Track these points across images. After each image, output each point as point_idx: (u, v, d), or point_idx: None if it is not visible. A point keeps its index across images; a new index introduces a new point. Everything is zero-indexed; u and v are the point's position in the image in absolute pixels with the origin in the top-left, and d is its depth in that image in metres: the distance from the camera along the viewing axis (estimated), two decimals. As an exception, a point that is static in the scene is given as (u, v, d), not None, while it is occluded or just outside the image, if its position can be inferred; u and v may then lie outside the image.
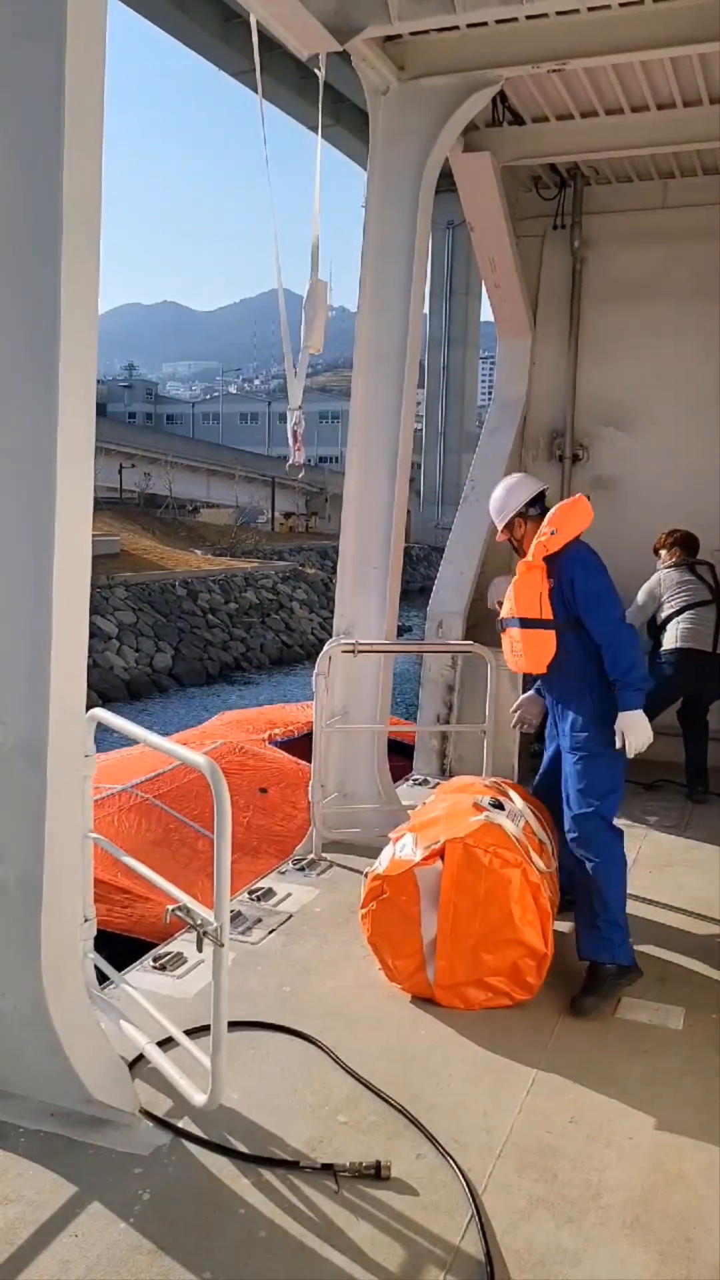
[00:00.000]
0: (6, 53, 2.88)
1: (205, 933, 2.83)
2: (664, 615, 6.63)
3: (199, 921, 2.86)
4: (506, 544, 4.56)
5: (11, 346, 3.00)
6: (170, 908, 3.00)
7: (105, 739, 3.58)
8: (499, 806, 4.15)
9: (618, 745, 4.01)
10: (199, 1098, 2.95)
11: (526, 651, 4.19)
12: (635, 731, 3.99)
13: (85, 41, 2.85)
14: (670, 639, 6.56)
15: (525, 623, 4.20)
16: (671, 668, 6.49)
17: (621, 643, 4.02)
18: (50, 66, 2.81)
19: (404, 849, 4.07)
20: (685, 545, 6.81)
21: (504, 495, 4.45)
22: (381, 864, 4.13)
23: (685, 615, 6.56)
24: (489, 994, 3.90)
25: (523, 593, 4.20)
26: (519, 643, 4.22)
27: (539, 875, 3.95)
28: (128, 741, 7.50)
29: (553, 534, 4.18)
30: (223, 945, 2.80)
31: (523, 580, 4.21)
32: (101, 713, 3.41)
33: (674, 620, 6.58)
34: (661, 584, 6.69)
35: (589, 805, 4.09)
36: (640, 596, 6.70)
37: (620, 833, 4.16)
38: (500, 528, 4.48)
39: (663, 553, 6.86)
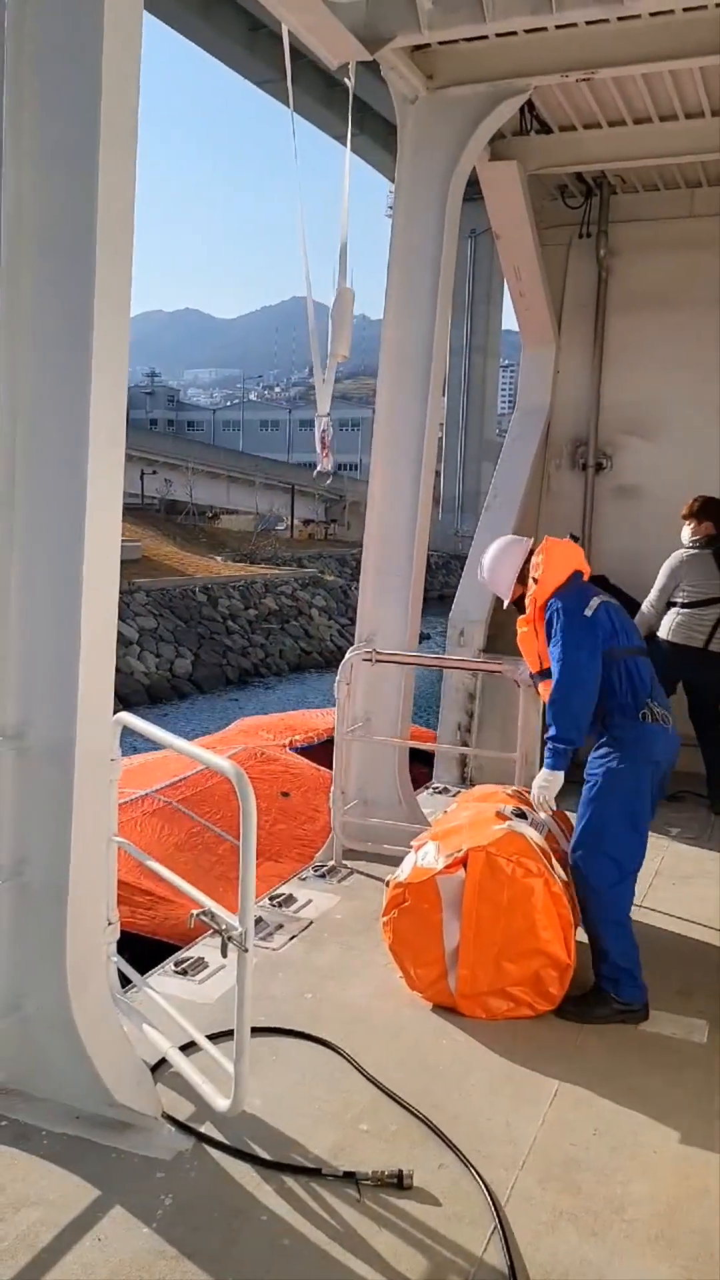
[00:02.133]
0: (45, 65, 2.91)
1: (229, 938, 2.83)
2: (676, 600, 6.59)
3: (223, 926, 2.86)
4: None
5: (45, 354, 3.03)
6: (194, 912, 3.00)
7: (127, 743, 3.59)
8: (522, 816, 4.14)
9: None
10: (221, 1103, 2.95)
11: (547, 702, 4.17)
12: (539, 785, 4.10)
13: (121, 54, 2.88)
14: (665, 628, 6.56)
15: (535, 676, 4.32)
16: (664, 657, 6.50)
17: (555, 702, 3.98)
18: (87, 78, 2.84)
19: (426, 857, 4.06)
20: (716, 517, 6.67)
21: (493, 567, 4.41)
22: (403, 872, 4.12)
23: (693, 610, 6.53)
24: (511, 1004, 3.88)
25: (525, 650, 4.32)
26: (541, 694, 4.28)
27: (561, 885, 3.93)
28: (149, 745, 7.51)
29: (535, 583, 4.15)
30: (247, 950, 2.80)
31: (522, 639, 4.31)
32: (127, 717, 3.42)
33: (677, 610, 6.56)
34: (683, 566, 6.63)
35: (584, 844, 3.96)
36: (661, 578, 6.65)
37: (624, 875, 3.94)
38: (506, 600, 4.45)
39: (690, 525, 6.70)
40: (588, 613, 4.00)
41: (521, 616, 4.27)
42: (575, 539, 4.46)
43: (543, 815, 4.18)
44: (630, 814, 3.95)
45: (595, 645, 3.97)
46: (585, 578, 4.24)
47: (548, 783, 4.08)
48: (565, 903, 3.92)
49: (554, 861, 4.00)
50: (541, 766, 4.11)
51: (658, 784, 4.04)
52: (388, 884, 4.17)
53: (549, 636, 4.06)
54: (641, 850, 4.00)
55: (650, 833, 4.11)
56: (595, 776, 4.01)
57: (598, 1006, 3.89)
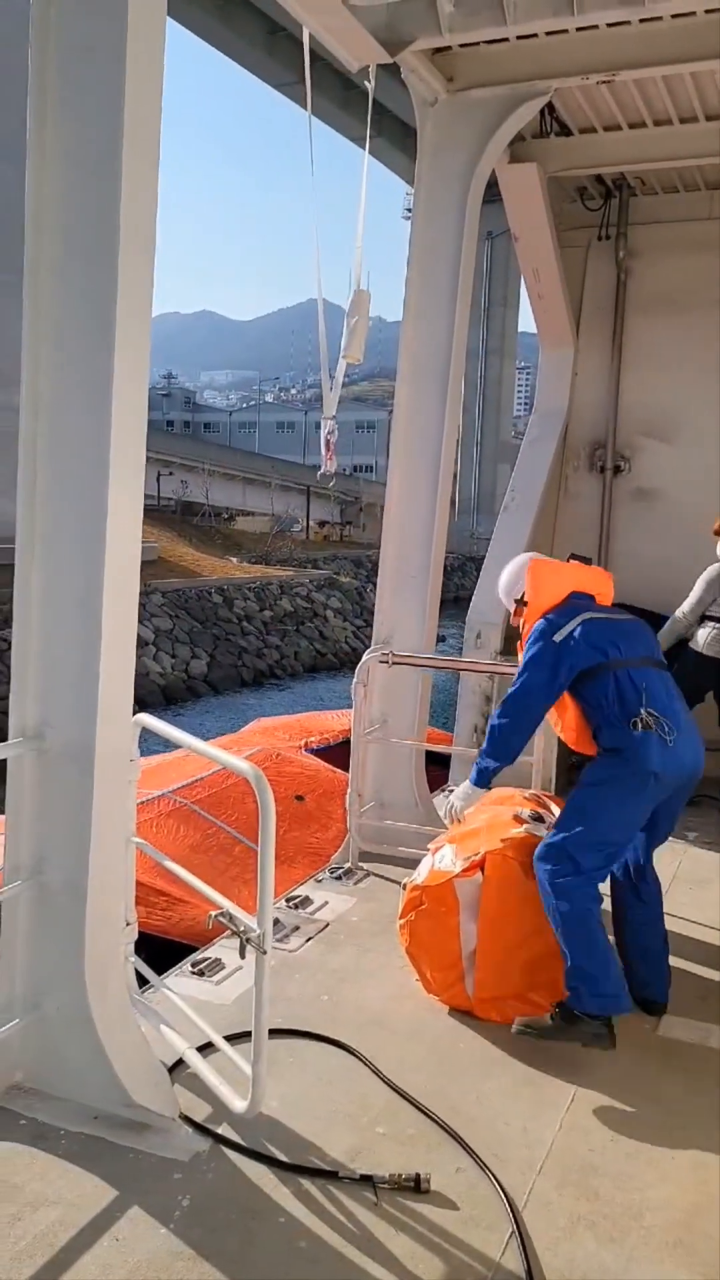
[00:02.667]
0: (69, 69, 2.93)
1: (248, 939, 2.83)
2: (714, 613, 6.60)
3: (241, 928, 2.87)
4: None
5: (68, 355, 3.05)
6: (213, 913, 3.01)
7: (143, 743, 3.60)
8: (539, 819, 4.13)
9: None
10: (239, 1104, 2.96)
11: (559, 730, 4.07)
12: (456, 797, 4.10)
13: (144, 58, 2.89)
14: (700, 641, 6.55)
15: None
16: (694, 667, 6.49)
17: (495, 721, 3.89)
18: (111, 82, 2.86)
19: (443, 860, 4.06)
20: None
21: (508, 583, 4.21)
22: (420, 875, 4.11)
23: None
24: (528, 1008, 3.85)
25: None
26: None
27: None
28: (165, 747, 7.50)
29: (522, 606, 4.04)
30: (265, 952, 2.81)
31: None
32: (146, 718, 3.43)
33: (714, 624, 6.56)
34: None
35: (553, 835, 3.75)
36: (697, 589, 6.64)
37: (577, 870, 3.63)
38: (511, 611, 4.24)
39: None
40: (557, 637, 3.80)
41: (519, 642, 4.09)
42: (579, 559, 4.25)
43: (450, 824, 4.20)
44: (600, 813, 3.71)
45: (554, 672, 3.78)
46: (602, 597, 4.07)
47: (466, 797, 4.07)
48: None
49: None
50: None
51: (660, 797, 3.76)
52: (404, 887, 4.16)
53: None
54: (604, 854, 3.68)
55: (670, 839, 4.08)
56: (585, 782, 3.83)
57: (565, 1024, 3.60)
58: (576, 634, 3.80)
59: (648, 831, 3.96)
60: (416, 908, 4.04)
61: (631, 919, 4.01)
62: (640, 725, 3.70)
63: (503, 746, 3.90)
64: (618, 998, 3.60)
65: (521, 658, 3.90)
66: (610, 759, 3.77)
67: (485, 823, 4.17)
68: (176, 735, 3.35)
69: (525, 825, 4.04)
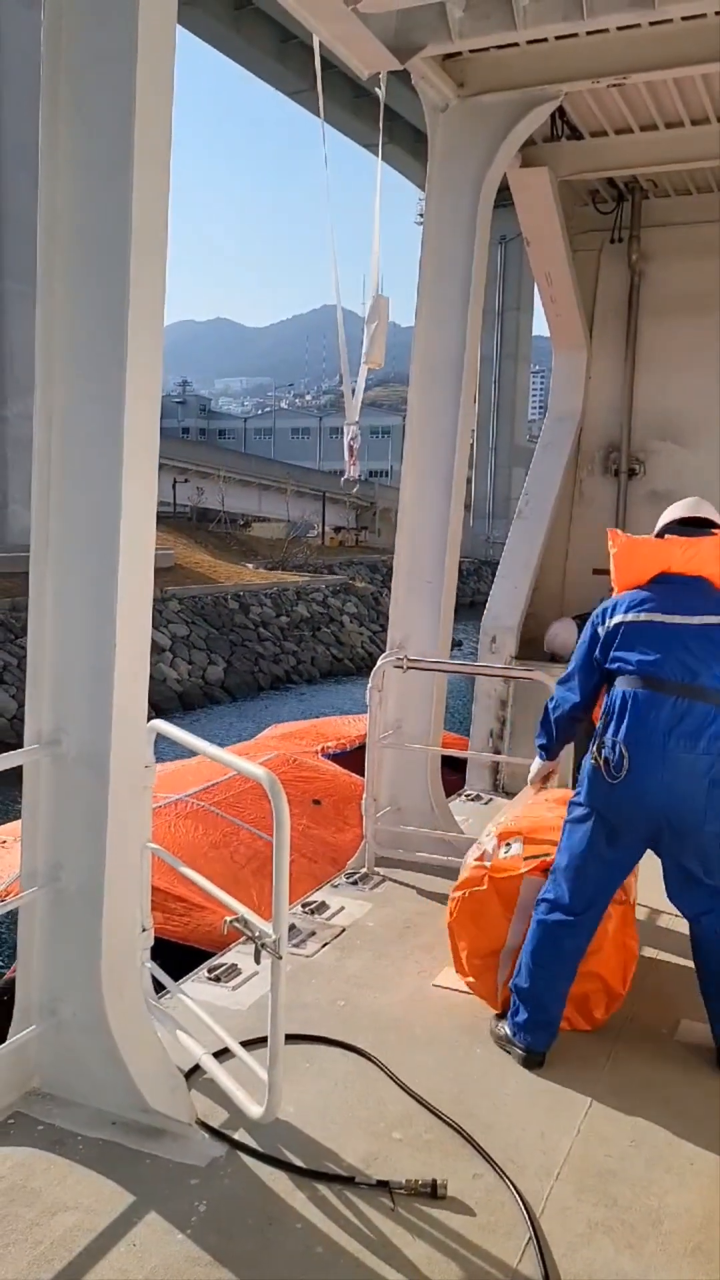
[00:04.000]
0: (80, 78, 2.95)
1: (264, 945, 2.83)
2: None
3: (257, 933, 2.87)
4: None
5: (80, 364, 3.06)
6: (228, 919, 3.01)
7: (157, 748, 3.60)
8: None
9: None
10: (255, 1110, 2.96)
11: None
12: (532, 772, 4.31)
13: (155, 67, 2.91)
14: None
15: None
16: None
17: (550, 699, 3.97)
18: (122, 91, 2.88)
19: (511, 849, 3.99)
20: None
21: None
22: (487, 848, 4.03)
23: None
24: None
25: None
26: None
27: (633, 914, 3.85)
28: (180, 753, 7.52)
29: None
30: (281, 957, 2.81)
31: None
32: (161, 724, 3.44)
33: None
34: None
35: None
36: None
37: (552, 909, 3.60)
38: None
39: None
40: (601, 629, 3.64)
41: None
42: (691, 524, 3.75)
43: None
44: (568, 851, 3.62)
45: (590, 659, 3.67)
46: (716, 579, 3.59)
47: (534, 769, 4.31)
48: (633, 931, 3.86)
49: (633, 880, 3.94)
50: None
51: (629, 836, 3.52)
52: (471, 860, 4.07)
53: None
54: (573, 891, 3.57)
55: None
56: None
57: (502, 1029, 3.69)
58: (614, 633, 3.58)
59: (671, 884, 3.62)
60: (475, 886, 3.97)
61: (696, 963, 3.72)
62: (592, 758, 3.54)
63: (547, 725, 4.01)
64: (528, 1031, 3.59)
65: None
66: (582, 782, 3.66)
67: (556, 820, 3.97)
68: (191, 741, 3.35)
69: None
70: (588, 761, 3.58)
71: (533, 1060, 3.58)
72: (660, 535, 3.83)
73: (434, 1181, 2.89)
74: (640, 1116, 3.32)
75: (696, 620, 3.50)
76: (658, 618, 3.54)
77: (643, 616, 3.56)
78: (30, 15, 23.74)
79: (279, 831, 2.78)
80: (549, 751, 4.14)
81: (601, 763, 3.49)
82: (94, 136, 2.97)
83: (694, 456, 7.75)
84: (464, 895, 4.01)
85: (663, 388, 7.83)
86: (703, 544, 3.61)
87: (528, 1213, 2.81)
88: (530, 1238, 2.72)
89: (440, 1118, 3.25)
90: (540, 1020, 3.60)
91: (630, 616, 3.58)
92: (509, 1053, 3.65)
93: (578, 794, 3.67)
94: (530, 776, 4.37)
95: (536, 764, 4.29)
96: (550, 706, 3.98)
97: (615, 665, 3.57)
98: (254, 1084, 2.99)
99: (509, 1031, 3.67)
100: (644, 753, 3.41)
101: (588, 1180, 2.99)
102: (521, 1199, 2.87)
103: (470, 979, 4.02)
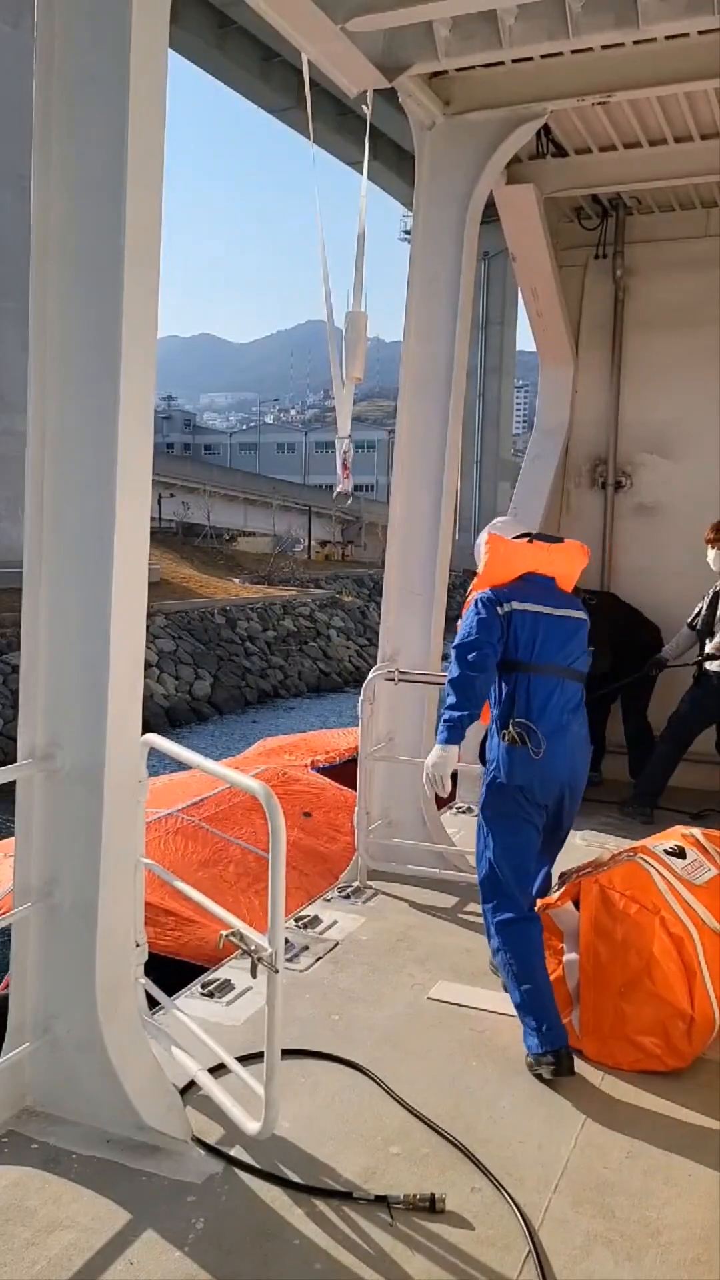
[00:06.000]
0: (73, 97, 2.97)
1: (260, 959, 2.83)
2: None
3: (253, 947, 2.86)
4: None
5: (73, 381, 3.07)
6: (224, 933, 3.00)
7: (149, 764, 3.60)
8: (679, 854, 4.00)
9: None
10: (252, 1126, 2.94)
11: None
12: (429, 764, 3.93)
13: (147, 86, 2.94)
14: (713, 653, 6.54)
15: None
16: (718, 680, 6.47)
17: (453, 674, 3.82)
18: (115, 110, 2.90)
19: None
20: None
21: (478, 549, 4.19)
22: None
23: None
24: (640, 1054, 3.63)
25: None
26: None
27: (684, 927, 3.69)
28: (168, 768, 7.46)
29: (476, 576, 4.03)
30: (277, 971, 2.80)
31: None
32: (154, 738, 3.44)
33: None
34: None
35: (478, 871, 3.92)
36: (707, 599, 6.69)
37: (500, 909, 3.77)
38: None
39: (715, 550, 6.56)
40: (500, 612, 3.85)
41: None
42: (543, 538, 4.14)
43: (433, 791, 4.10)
44: (495, 843, 3.83)
45: (497, 633, 3.81)
46: (564, 580, 4.03)
47: (440, 760, 3.90)
48: (689, 947, 3.66)
49: (696, 905, 3.79)
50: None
51: (540, 809, 3.83)
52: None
53: None
54: (513, 882, 3.78)
55: None
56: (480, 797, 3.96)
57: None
58: (515, 620, 3.86)
59: (544, 842, 4.00)
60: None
61: None
62: (508, 739, 3.80)
63: (469, 691, 3.78)
64: (548, 1035, 3.60)
65: (461, 622, 3.90)
66: (487, 775, 3.91)
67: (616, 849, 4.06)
68: (185, 755, 3.35)
69: (640, 855, 3.89)
70: (501, 746, 3.83)
71: (565, 1066, 3.55)
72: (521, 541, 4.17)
73: (432, 1195, 2.88)
74: (637, 1127, 3.32)
75: (559, 612, 3.97)
76: (542, 609, 3.93)
77: (529, 606, 3.91)
78: (14, 35, 23.81)
79: (275, 843, 2.77)
80: (464, 725, 3.82)
81: (521, 740, 3.78)
82: (87, 156, 2.99)
83: (680, 469, 7.82)
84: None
85: (648, 401, 7.90)
86: (556, 550, 4.09)
87: (526, 1225, 2.80)
88: (529, 1251, 2.72)
89: (437, 1131, 3.24)
90: (554, 1020, 3.64)
91: (518, 606, 3.91)
92: (541, 1074, 3.55)
93: (490, 783, 3.87)
94: (439, 774, 3.93)
95: (441, 754, 3.89)
96: (464, 673, 3.76)
97: (517, 650, 3.85)
98: (250, 1100, 2.98)
99: (534, 1052, 3.60)
100: (553, 729, 3.81)
101: (586, 1192, 2.99)
102: (520, 1212, 2.86)
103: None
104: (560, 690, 3.87)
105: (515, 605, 3.88)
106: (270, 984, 2.81)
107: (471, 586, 4.05)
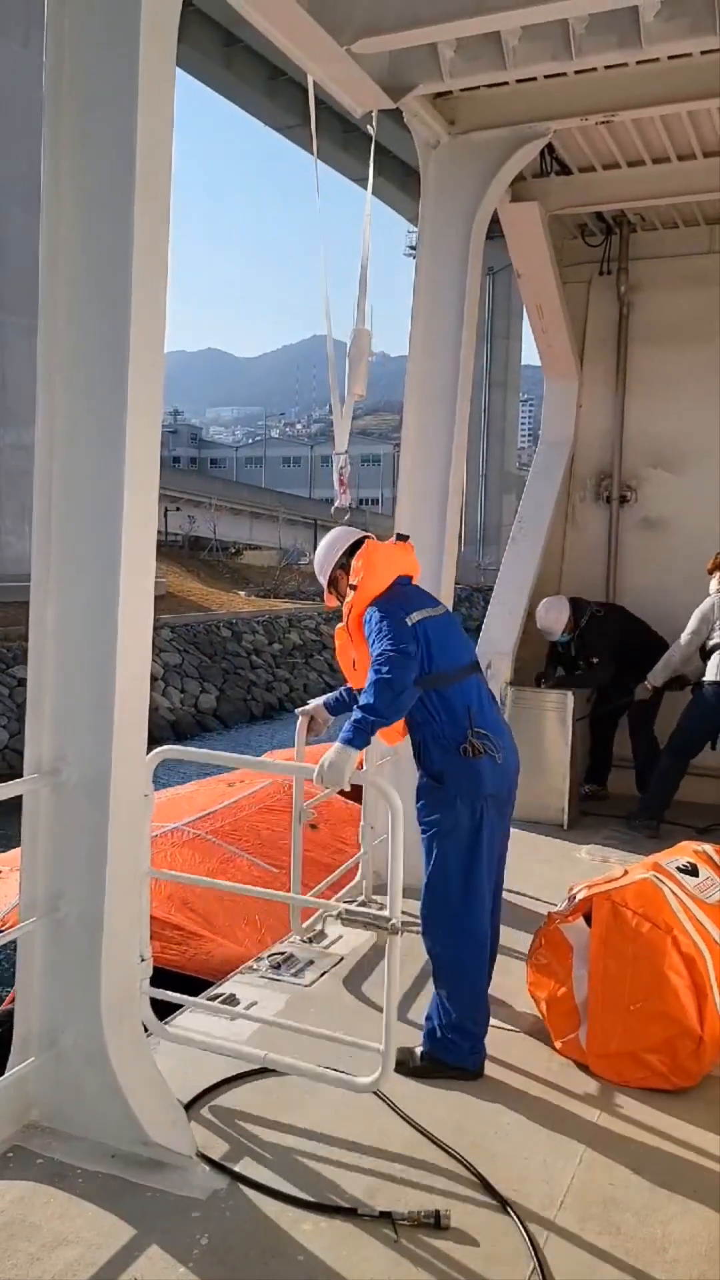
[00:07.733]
0: (83, 113, 3.01)
1: (384, 926, 3.05)
2: (711, 644, 6.58)
3: (373, 918, 3.18)
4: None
5: (80, 394, 3.10)
6: (340, 910, 3.39)
7: (155, 778, 3.62)
8: (691, 871, 3.98)
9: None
10: (364, 1081, 3.15)
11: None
12: (327, 760, 3.37)
13: (156, 104, 2.97)
14: (713, 670, 6.52)
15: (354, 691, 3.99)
16: (715, 698, 6.45)
17: (377, 677, 3.48)
18: (123, 126, 2.94)
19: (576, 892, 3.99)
20: None
21: (323, 553, 4.06)
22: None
23: None
24: (646, 1072, 3.62)
25: (343, 662, 3.96)
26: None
27: (696, 947, 3.66)
28: (172, 781, 7.45)
29: (353, 590, 3.80)
30: (399, 933, 3.09)
31: (340, 651, 3.99)
32: (171, 748, 3.46)
33: (717, 652, 6.56)
34: (715, 610, 6.66)
35: (426, 897, 3.75)
36: (693, 622, 6.68)
37: (464, 930, 3.69)
38: (325, 588, 4.08)
39: (716, 577, 6.76)
40: (409, 620, 3.64)
41: (339, 626, 3.95)
42: (403, 538, 4.03)
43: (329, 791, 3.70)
44: (465, 864, 3.67)
45: (417, 645, 3.59)
46: (415, 579, 3.96)
47: (339, 760, 3.35)
48: (700, 966, 3.63)
49: (704, 921, 3.77)
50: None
51: (499, 815, 3.74)
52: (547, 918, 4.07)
53: (370, 641, 3.64)
54: (478, 899, 3.69)
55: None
56: (427, 825, 3.71)
57: (439, 1072, 3.67)
58: (420, 630, 3.64)
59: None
60: (538, 948, 4.00)
61: None
62: (471, 752, 3.63)
63: (399, 702, 3.49)
64: (478, 1050, 3.72)
65: (371, 633, 3.63)
66: (440, 792, 3.67)
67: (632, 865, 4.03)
68: (207, 755, 3.37)
69: (651, 873, 3.88)
70: (455, 759, 3.64)
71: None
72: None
73: (437, 1212, 2.87)
74: (643, 1144, 3.31)
75: (440, 611, 3.86)
76: (433, 612, 3.80)
77: (427, 612, 3.77)
78: (22, 52, 24.03)
79: (395, 823, 3.03)
80: (373, 733, 3.46)
81: (484, 748, 3.66)
82: (96, 171, 3.02)
83: (685, 483, 7.84)
84: (534, 961, 4.04)
85: (653, 416, 7.93)
86: (410, 549, 4.03)
87: (531, 1242, 2.79)
88: (534, 1268, 2.70)
89: (443, 1147, 3.23)
90: (484, 1033, 3.72)
91: (424, 614, 3.74)
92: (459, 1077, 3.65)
93: (446, 799, 3.64)
94: (335, 777, 3.37)
95: (343, 754, 3.38)
96: (393, 679, 3.45)
97: (434, 666, 3.68)
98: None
99: (454, 1064, 3.67)
100: (499, 731, 3.77)
101: (591, 1209, 2.98)
102: (525, 1229, 2.85)
103: (556, 1041, 3.88)
104: (478, 688, 3.79)
105: (416, 616, 3.68)
106: (390, 947, 3.07)
107: (351, 602, 3.80)
